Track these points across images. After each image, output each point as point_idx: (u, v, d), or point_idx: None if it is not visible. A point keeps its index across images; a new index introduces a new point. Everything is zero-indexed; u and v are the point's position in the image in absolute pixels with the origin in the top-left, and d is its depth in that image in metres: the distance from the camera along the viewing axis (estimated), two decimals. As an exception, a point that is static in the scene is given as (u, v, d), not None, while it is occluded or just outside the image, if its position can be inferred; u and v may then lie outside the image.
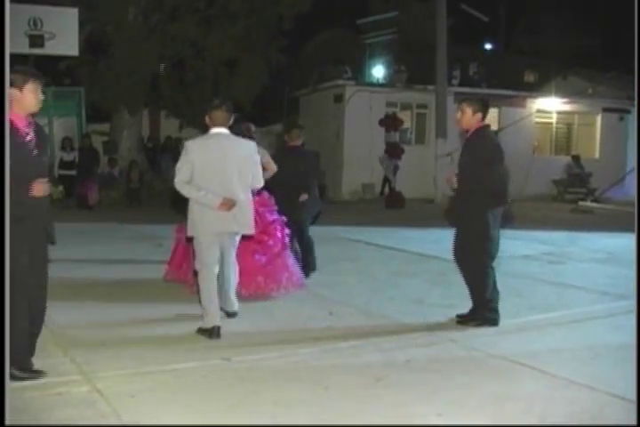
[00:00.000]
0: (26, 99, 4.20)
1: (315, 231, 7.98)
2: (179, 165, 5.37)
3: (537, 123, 21.36)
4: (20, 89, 4.17)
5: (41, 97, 4.28)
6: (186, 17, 17.33)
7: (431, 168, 17.88)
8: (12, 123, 4.13)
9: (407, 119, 19.54)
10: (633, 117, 20.73)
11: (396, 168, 18.20)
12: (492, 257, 5.66)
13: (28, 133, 4.23)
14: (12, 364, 4.07)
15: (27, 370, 4.21)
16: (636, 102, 17.56)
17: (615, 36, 29.73)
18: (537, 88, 25.73)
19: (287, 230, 6.94)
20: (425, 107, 19.82)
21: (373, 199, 18.40)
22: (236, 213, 5.42)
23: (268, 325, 5.77)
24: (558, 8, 33.58)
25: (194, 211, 5.42)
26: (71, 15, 13.90)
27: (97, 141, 17.54)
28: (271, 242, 6.69)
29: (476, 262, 5.61)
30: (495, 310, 5.70)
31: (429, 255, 9.29)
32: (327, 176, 18.51)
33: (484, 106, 5.68)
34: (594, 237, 11.89)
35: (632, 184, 17.29)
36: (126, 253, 9.00)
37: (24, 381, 4.13)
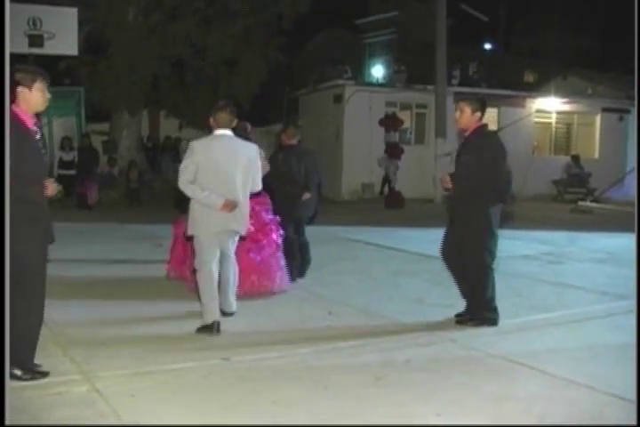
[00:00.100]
0: (34, 97, 4.22)
1: (314, 231, 7.98)
2: (183, 165, 5.42)
3: (536, 123, 21.36)
4: (29, 88, 4.18)
5: (47, 96, 4.30)
6: (186, 17, 17.34)
7: (431, 168, 17.87)
8: (22, 122, 4.15)
9: (407, 119, 19.53)
10: (632, 117, 20.74)
11: (396, 168, 18.20)
12: (494, 256, 5.67)
13: (36, 132, 4.26)
14: (15, 364, 4.08)
15: (29, 370, 4.20)
16: (635, 102, 17.57)
17: (615, 37, 29.76)
18: (536, 88, 25.75)
19: (281, 231, 6.96)
20: (424, 107, 19.82)
21: (373, 199, 18.39)
22: (236, 214, 5.49)
23: (267, 324, 5.77)
24: (558, 8, 33.58)
25: (195, 210, 5.47)
26: (70, 15, 13.88)
27: (96, 141, 17.53)
28: (265, 241, 6.71)
29: (477, 262, 5.60)
30: (495, 310, 5.70)
31: (429, 255, 9.26)
32: (327, 176, 18.51)
33: (482, 105, 5.69)
34: (593, 237, 11.90)
35: (632, 184, 17.29)
36: (126, 253, 9.00)
37: (26, 381, 4.13)
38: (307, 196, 7.41)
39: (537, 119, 21.35)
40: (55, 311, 5.18)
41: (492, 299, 5.67)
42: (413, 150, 18.96)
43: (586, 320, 6.11)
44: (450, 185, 5.69)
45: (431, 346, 5.20)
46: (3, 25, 4.15)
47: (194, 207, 5.48)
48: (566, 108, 21.55)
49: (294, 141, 7.49)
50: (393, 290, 7.19)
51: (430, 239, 10.63)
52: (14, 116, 4.11)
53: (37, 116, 4.38)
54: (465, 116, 5.65)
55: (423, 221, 12.76)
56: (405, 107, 20.02)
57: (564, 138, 22.27)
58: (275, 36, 18.52)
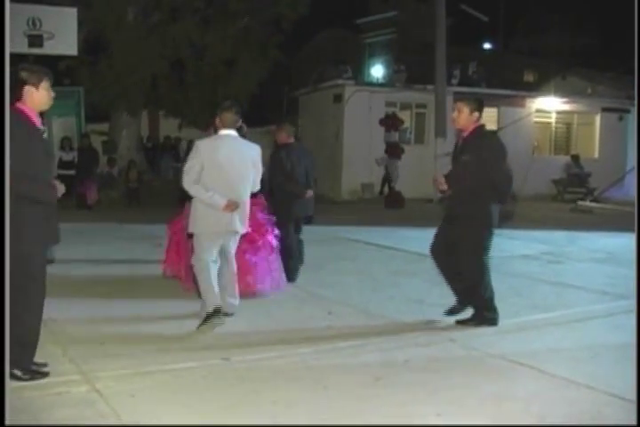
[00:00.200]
0: (41, 96, 4.23)
1: (314, 231, 8.00)
2: (188, 165, 5.47)
3: (536, 122, 21.36)
4: (37, 87, 4.19)
5: (52, 95, 4.31)
6: (185, 17, 17.34)
7: (431, 168, 17.83)
8: (31, 120, 4.17)
9: (406, 119, 19.54)
10: (632, 117, 20.74)
11: (396, 168, 18.20)
12: (489, 255, 5.68)
13: (44, 131, 4.27)
14: (15, 365, 4.08)
15: (29, 371, 4.20)
16: (635, 102, 17.57)
17: (614, 36, 29.76)
18: (536, 88, 25.75)
19: (276, 231, 6.97)
20: (424, 106, 19.83)
21: (373, 199, 18.40)
22: (238, 214, 5.57)
23: (267, 324, 5.76)
24: (558, 8, 33.57)
25: (197, 209, 5.54)
26: (70, 15, 13.86)
27: (96, 141, 17.54)
28: (261, 243, 6.72)
29: (475, 262, 5.60)
30: (494, 310, 5.70)
31: (429, 255, 9.27)
32: (327, 176, 18.53)
33: (480, 105, 5.68)
34: (593, 236, 11.90)
35: (631, 184, 17.31)
36: (125, 253, 8.99)
37: (26, 381, 4.13)
38: (309, 193, 7.41)
39: (537, 119, 21.36)
40: (55, 311, 5.18)
41: (492, 298, 5.67)
42: (413, 150, 18.97)
43: (586, 320, 6.12)
44: (444, 187, 5.70)
45: (431, 346, 5.20)
46: (3, 25, 4.15)
47: (196, 206, 5.55)
48: (566, 107, 21.56)
49: (292, 140, 7.49)
50: (393, 290, 7.19)
51: (430, 239, 10.61)
52: (23, 114, 4.13)
53: (41, 115, 4.39)
54: (463, 117, 5.65)
55: (423, 220, 12.71)
56: (405, 107, 20.02)
57: (563, 138, 22.28)
58: (274, 35, 18.54)
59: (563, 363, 4.82)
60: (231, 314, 5.80)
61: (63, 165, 15.97)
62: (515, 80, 27.52)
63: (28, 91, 4.15)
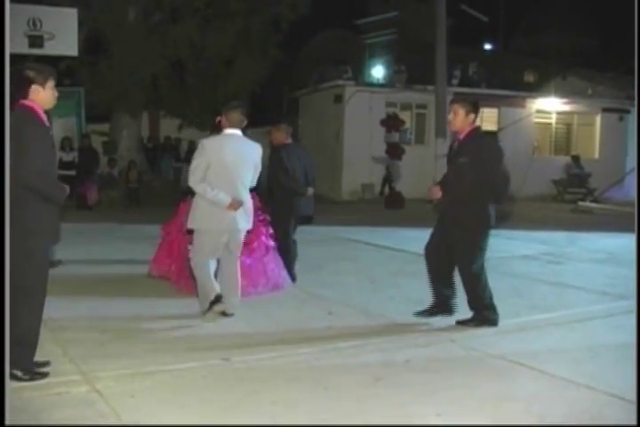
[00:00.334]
0: (48, 95, 4.26)
1: (315, 231, 8.00)
2: (195, 163, 5.56)
3: (536, 123, 21.37)
4: (43, 86, 4.21)
5: (56, 94, 4.33)
6: (186, 17, 17.35)
7: (431, 168, 17.86)
8: (41, 118, 4.19)
9: (407, 119, 19.53)
10: (632, 117, 20.74)
11: (397, 169, 18.20)
12: (485, 256, 5.69)
13: (50, 130, 4.30)
14: (15, 365, 4.08)
15: (29, 371, 4.20)
16: (635, 103, 17.57)
17: (614, 36, 29.73)
18: (536, 88, 25.73)
19: (270, 231, 6.97)
20: (424, 107, 19.84)
21: (373, 199, 18.40)
22: (242, 212, 5.68)
23: (267, 325, 5.77)
24: (558, 8, 33.58)
25: (200, 207, 5.63)
26: (70, 15, 13.86)
27: (96, 142, 17.54)
28: (256, 244, 6.74)
29: (472, 262, 5.60)
30: (494, 309, 5.70)
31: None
32: (327, 176, 18.53)
33: (475, 107, 5.67)
34: (593, 237, 11.90)
35: (631, 184, 17.32)
36: (125, 253, 8.99)
37: (26, 382, 4.13)
38: (310, 191, 7.41)
39: (537, 119, 21.36)
40: (55, 311, 5.19)
41: (490, 298, 5.67)
42: (413, 150, 18.97)
43: (586, 320, 6.12)
44: (439, 195, 5.70)
45: (431, 346, 5.20)
46: (3, 25, 4.16)
47: (199, 203, 5.64)
48: (566, 108, 21.56)
49: (289, 140, 7.48)
50: (393, 290, 7.20)
51: (430, 239, 10.66)
52: (33, 112, 4.15)
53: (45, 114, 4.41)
54: (459, 119, 5.64)
55: (423, 221, 12.68)
56: (405, 107, 20.03)
57: (564, 138, 22.28)
58: (274, 34, 18.55)
59: (563, 363, 4.82)
60: (231, 314, 5.81)
61: (63, 165, 15.92)
62: (515, 80, 27.48)
63: (35, 90, 4.17)
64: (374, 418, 3.78)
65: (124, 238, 10.44)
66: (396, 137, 18.47)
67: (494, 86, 21.11)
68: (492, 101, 19.56)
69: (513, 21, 33.70)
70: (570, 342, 5.40)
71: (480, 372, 4.62)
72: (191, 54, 17.83)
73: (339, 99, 19.31)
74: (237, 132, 5.72)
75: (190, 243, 6.25)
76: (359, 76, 22.35)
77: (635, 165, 14.48)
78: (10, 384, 3.84)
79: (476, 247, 5.57)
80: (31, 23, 13.34)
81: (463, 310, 5.77)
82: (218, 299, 5.62)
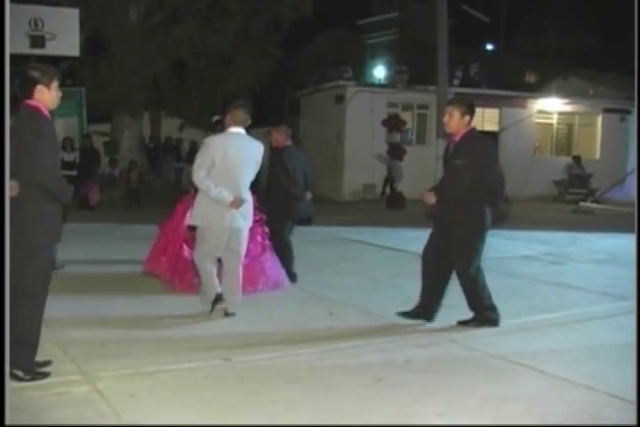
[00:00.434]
0: (52, 96, 4.28)
1: (316, 232, 8.00)
2: (200, 161, 5.61)
3: (538, 123, 21.37)
4: (48, 87, 4.22)
5: (60, 95, 4.34)
6: (187, 17, 17.36)
7: (432, 168, 17.81)
8: (48, 120, 4.20)
9: (408, 120, 19.55)
10: (634, 118, 20.73)
11: (399, 169, 18.20)
12: (481, 257, 5.70)
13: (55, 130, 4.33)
14: (16, 365, 4.08)
15: (30, 371, 4.20)
16: (635, 103, 17.56)
17: (615, 37, 29.73)
18: (538, 89, 25.77)
19: (266, 230, 6.98)
20: (426, 107, 19.83)
21: (374, 200, 18.40)
22: (243, 210, 5.74)
23: (268, 325, 5.77)
24: (559, 9, 33.57)
25: (202, 204, 5.71)
26: (72, 16, 13.86)
27: (98, 142, 17.55)
28: (251, 244, 6.73)
29: (469, 263, 5.59)
30: (494, 309, 5.70)
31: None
32: (328, 176, 18.54)
33: (471, 109, 5.67)
34: (594, 237, 11.90)
35: (633, 185, 17.28)
36: (126, 253, 8.99)
37: (27, 382, 4.13)
38: (309, 196, 7.43)
39: (538, 120, 21.36)
40: (56, 311, 5.18)
41: (490, 298, 5.68)
42: (415, 151, 18.97)
43: (586, 321, 6.11)
44: (433, 200, 5.70)
45: (432, 347, 5.20)
46: (3, 25, 4.17)
47: (201, 200, 5.72)
48: (567, 108, 21.56)
49: (289, 142, 7.48)
50: (394, 291, 7.19)
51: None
52: (39, 112, 4.16)
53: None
54: (454, 120, 5.64)
55: (424, 221, 12.73)
56: (407, 107, 20.03)
57: (565, 138, 22.28)
58: (274, 34, 18.57)
59: (563, 364, 4.82)
60: (233, 314, 5.81)
61: (65, 165, 15.89)
62: (516, 81, 27.54)
63: (40, 90, 4.18)
64: (375, 418, 3.78)
65: (125, 238, 10.45)
66: (397, 137, 18.48)
67: (495, 87, 21.13)
68: (493, 102, 19.57)
69: (514, 22, 33.71)
70: (570, 342, 5.39)
71: (481, 372, 4.62)
72: (192, 54, 17.84)
73: (340, 99, 19.32)
74: (241, 130, 5.78)
75: (186, 242, 6.32)
76: (360, 77, 22.40)
77: (635, 165, 14.48)
78: (11, 384, 3.85)
79: (473, 248, 5.57)
80: (33, 23, 13.34)
81: (463, 311, 5.78)
82: (218, 298, 5.68)
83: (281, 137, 7.40)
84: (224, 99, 17.00)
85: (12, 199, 3.91)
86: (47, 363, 4.35)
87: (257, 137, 6.04)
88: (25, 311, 4.10)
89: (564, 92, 21.96)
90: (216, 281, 5.78)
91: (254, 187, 6.09)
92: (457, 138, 5.68)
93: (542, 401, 4.08)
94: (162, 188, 17.75)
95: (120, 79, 16.88)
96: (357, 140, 18.80)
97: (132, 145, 18.32)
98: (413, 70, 21.26)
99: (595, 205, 17.51)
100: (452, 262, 5.68)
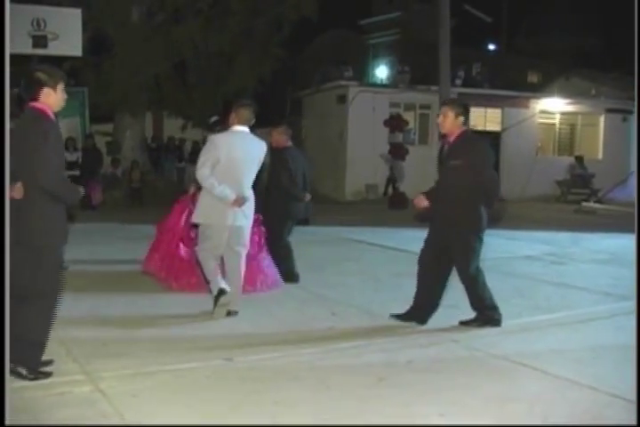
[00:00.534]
0: (58, 98, 4.29)
1: (318, 232, 8.00)
2: (204, 158, 5.63)
3: (540, 123, 21.36)
4: (54, 89, 4.23)
5: (65, 97, 4.34)
6: (189, 17, 17.36)
7: (434, 168, 17.80)
8: (54, 122, 4.22)
9: (410, 120, 19.54)
10: (635, 118, 20.72)
11: (401, 169, 18.20)
12: (480, 257, 5.69)
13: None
14: (21, 363, 4.09)
15: (34, 370, 4.21)
16: (635, 104, 17.55)
17: (617, 37, 29.68)
18: (540, 89, 25.76)
19: (263, 229, 6.99)
20: (428, 107, 19.82)
21: (377, 200, 18.40)
22: (245, 209, 5.77)
23: (270, 325, 5.77)
24: (561, 9, 33.55)
25: (205, 202, 5.74)
26: (74, 16, 13.90)
27: (100, 142, 17.57)
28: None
29: (468, 264, 5.59)
30: (496, 309, 5.69)
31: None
32: (330, 177, 18.55)
33: (465, 109, 5.67)
34: (596, 237, 11.89)
35: (635, 185, 17.27)
36: (128, 253, 8.98)
37: (30, 381, 4.13)
38: (308, 197, 7.46)
39: (541, 120, 21.36)
40: (58, 310, 5.18)
41: (491, 297, 5.67)
42: (417, 151, 18.97)
43: (589, 321, 6.11)
44: (425, 204, 5.71)
45: (434, 347, 5.20)
46: (3, 25, 4.17)
47: (204, 198, 5.75)
48: (570, 108, 21.55)
49: (290, 143, 7.48)
50: (396, 291, 7.18)
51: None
52: (44, 114, 4.16)
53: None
54: (448, 121, 5.63)
55: (426, 221, 12.73)
56: (409, 107, 20.02)
57: (567, 139, 22.27)
58: (276, 34, 18.57)
59: (565, 364, 4.81)
60: (235, 313, 5.82)
61: (67, 165, 15.93)
62: (518, 81, 27.52)
63: (47, 93, 4.18)
64: (376, 418, 3.78)
65: (127, 238, 10.45)
66: (399, 137, 18.48)
67: (498, 87, 21.12)
68: (495, 102, 19.57)
69: (516, 22, 33.68)
70: (573, 342, 5.39)
71: (482, 372, 4.62)
72: (194, 54, 17.85)
73: (342, 99, 19.33)
74: (246, 129, 5.81)
75: (182, 241, 6.34)
76: (362, 77, 22.39)
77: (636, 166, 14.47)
78: (12, 384, 3.85)
79: (471, 249, 5.57)
80: (35, 23, 13.36)
81: (465, 311, 5.78)
82: (221, 292, 5.70)
83: (281, 137, 7.40)
84: (226, 99, 17.00)
85: (17, 200, 3.91)
86: (49, 362, 4.35)
87: (261, 137, 6.05)
88: (32, 311, 4.10)
89: (566, 93, 21.95)
90: (219, 276, 5.81)
91: (255, 186, 6.10)
92: (451, 138, 5.68)
93: (544, 401, 4.07)
94: (164, 188, 17.73)
95: (122, 79, 16.88)
96: (360, 140, 18.80)
97: (134, 145, 18.32)
98: (415, 70, 21.24)
99: (597, 206, 17.49)
100: (451, 262, 5.67)
